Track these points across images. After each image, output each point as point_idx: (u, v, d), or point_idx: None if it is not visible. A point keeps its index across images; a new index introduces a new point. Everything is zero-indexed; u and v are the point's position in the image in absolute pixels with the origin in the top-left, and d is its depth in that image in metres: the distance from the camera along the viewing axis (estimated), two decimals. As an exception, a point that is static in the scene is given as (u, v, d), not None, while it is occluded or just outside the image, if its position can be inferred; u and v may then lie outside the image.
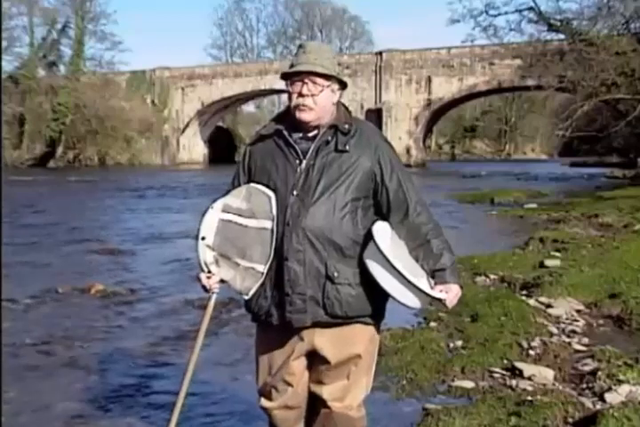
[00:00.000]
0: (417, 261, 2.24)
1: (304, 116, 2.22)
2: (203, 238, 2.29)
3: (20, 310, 5.84)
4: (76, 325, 5.38)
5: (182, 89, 52.44)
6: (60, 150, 44.69)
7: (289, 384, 2.34)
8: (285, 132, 2.27)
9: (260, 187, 2.27)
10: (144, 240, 10.65)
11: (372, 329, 2.33)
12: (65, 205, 17.55)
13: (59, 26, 47.52)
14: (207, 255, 2.29)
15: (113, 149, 47.02)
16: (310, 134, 2.26)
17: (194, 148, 53.32)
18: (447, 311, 5.45)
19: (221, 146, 54.53)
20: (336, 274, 2.19)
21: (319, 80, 2.21)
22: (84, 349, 4.73)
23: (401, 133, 43.95)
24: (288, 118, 2.30)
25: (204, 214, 2.33)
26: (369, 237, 2.19)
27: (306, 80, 2.20)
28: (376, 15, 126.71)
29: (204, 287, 2.30)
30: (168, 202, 18.54)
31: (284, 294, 2.20)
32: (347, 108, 2.36)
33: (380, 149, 2.28)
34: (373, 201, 2.28)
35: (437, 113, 46.59)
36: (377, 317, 2.32)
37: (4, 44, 42.12)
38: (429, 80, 43.98)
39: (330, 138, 2.24)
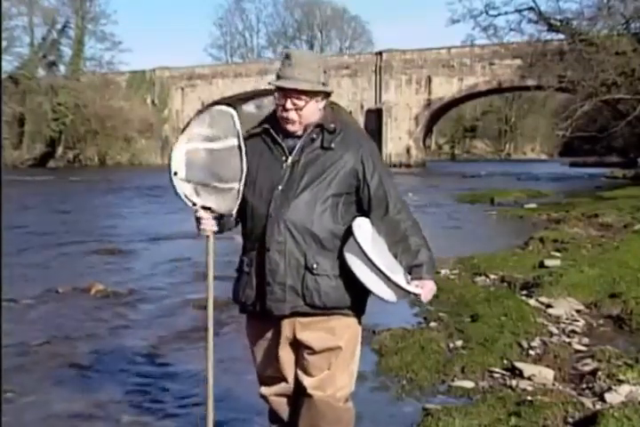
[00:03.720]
0: (395, 257, 2.31)
1: (289, 127, 2.32)
2: (175, 174, 2.33)
3: (20, 310, 5.83)
4: (75, 325, 5.38)
5: (182, 89, 52.46)
6: (60, 150, 44.70)
7: (279, 374, 2.44)
8: (272, 131, 2.36)
9: (222, 107, 2.34)
10: (144, 240, 10.65)
11: (352, 322, 2.39)
12: (65, 205, 17.55)
13: (59, 26, 47.57)
14: (185, 188, 2.33)
15: (113, 149, 47.04)
16: (293, 134, 2.35)
17: (194, 148, 53.30)
18: (447, 311, 5.45)
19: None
20: (315, 265, 2.27)
21: (303, 96, 2.28)
22: (84, 349, 4.73)
23: (401, 133, 43.94)
24: (276, 117, 2.37)
25: (171, 152, 2.37)
26: (349, 232, 2.26)
27: (290, 95, 2.28)
28: (376, 15, 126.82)
29: (200, 228, 2.33)
30: (168, 202, 18.51)
31: (266, 284, 2.28)
32: (333, 108, 2.43)
33: (363, 148, 2.35)
34: (355, 198, 2.36)
35: (437, 113, 46.58)
36: (357, 310, 2.39)
37: (4, 44, 42.12)
38: (429, 80, 43.99)
39: (315, 136, 2.33)
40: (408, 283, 2.26)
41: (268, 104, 69.46)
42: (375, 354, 4.41)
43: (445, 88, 43.64)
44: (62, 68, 48.06)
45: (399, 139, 43.59)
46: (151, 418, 3.54)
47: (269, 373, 2.46)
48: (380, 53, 46.17)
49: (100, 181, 28.27)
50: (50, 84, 43.79)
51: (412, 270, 2.29)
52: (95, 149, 46.21)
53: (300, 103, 2.28)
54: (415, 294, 2.26)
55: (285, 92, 2.27)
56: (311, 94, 2.28)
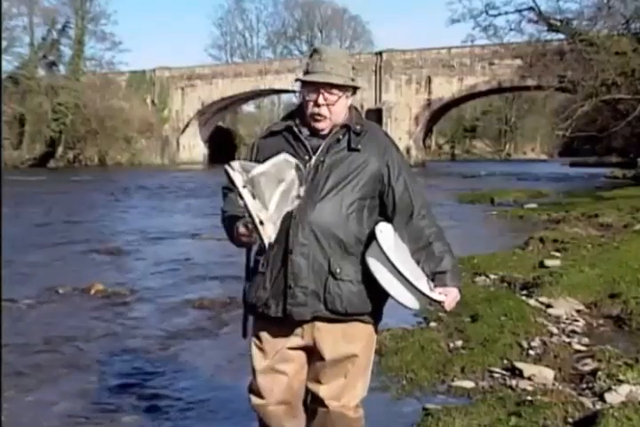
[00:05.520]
0: (418, 263, 2.26)
1: (319, 125, 2.26)
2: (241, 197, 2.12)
3: (20, 310, 5.84)
4: (75, 325, 5.38)
5: (182, 89, 52.44)
6: (60, 150, 44.62)
7: (285, 380, 2.32)
8: (296, 129, 2.29)
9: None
10: (144, 240, 10.65)
11: (370, 329, 2.35)
12: (65, 204, 17.55)
13: (59, 26, 47.45)
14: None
15: (113, 149, 46.98)
16: (321, 132, 2.28)
17: (194, 148, 53.34)
18: (447, 311, 5.45)
19: (221, 146, 54.54)
20: (338, 270, 2.21)
21: (335, 90, 2.23)
22: (84, 349, 4.73)
23: (401, 133, 43.91)
24: (299, 115, 2.31)
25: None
26: (372, 236, 2.21)
27: (321, 90, 2.22)
28: (376, 15, 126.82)
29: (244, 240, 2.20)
30: (168, 202, 18.54)
31: (286, 287, 2.21)
32: (357, 110, 2.38)
33: (388, 151, 2.31)
34: (379, 202, 2.31)
35: (437, 113, 46.58)
36: (375, 316, 2.34)
37: (4, 44, 42.07)
38: (429, 80, 43.98)
39: (341, 136, 2.27)
40: (431, 290, 2.21)
41: (268, 104, 69.51)
42: (375, 354, 4.41)
43: (445, 88, 43.62)
44: (62, 68, 48.05)
45: (399, 139, 43.51)
46: (151, 418, 3.54)
47: (270, 373, 2.33)
48: (380, 53, 46.15)
49: (101, 181, 28.27)
50: (50, 84, 43.71)
51: (435, 277, 2.24)
52: (95, 149, 46.14)
53: (333, 98, 2.22)
54: (438, 302, 2.20)
55: (317, 87, 2.21)
56: (343, 89, 2.25)
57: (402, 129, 44.27)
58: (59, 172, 37.26)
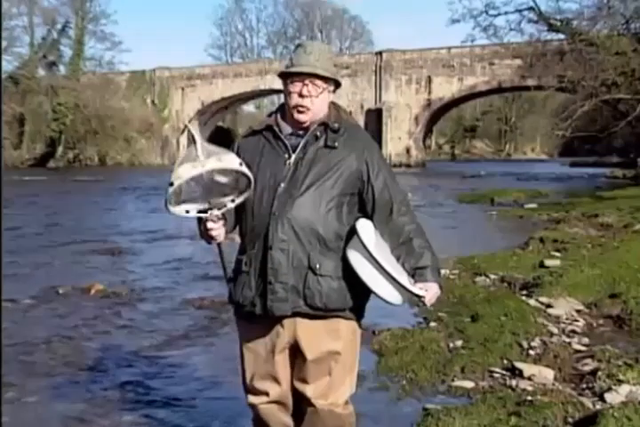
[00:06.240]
0: (398, 259, 2.27)
1: (302, 117, 2.28)
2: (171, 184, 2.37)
3: (20, 310, 5.84)
4: (75, 325, 5.38)
5: (182, 89, 52.46)
6: (60, 150, 44.65)
7: (275, 380, 2.35)
8: (276, 128, 2.32)
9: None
10: (144, 240, 10.65)
11: (352, 325, 2.35)
12: (65, 205, 17.55)
13: (59, 26, 47.54)
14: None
15: (113, 149, 47.00)
16: (301, 131, 2.31)
17: (194, 148, 53.31)
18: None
19: (221, 146, 54.45)
20: (318, 266, 2.23)
21: (319, 82, 2.26)
22: (84, 349, 4.73)
23: (401, 133, 43.94)
24: (280, 115, 2.35)
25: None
26: (352, 232, 2.23)
27: (306, 82, 2.25)
28: (376, 15, 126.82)
29: (211, 236, 2.25)
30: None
31: (267, 283, 2.23)
32: (337, 109, 2.40)
33: (367, 150, 2.33)
34: (358, 199, 2.32)
35: (437, 113, 46.58)
36: (357, 313, 2.35)
37: (4, 44, 42.09)
38: (429, 80, 44.00)
39: (319, 134, 2.29)
40: (412, 285, 2.22)
41: (268, 104, 69.49)
42: (375, 354, 4.42)
43: (445, 88, 43.64)
44: (62, 68, 48.09)
45: (399, 139, 43.58)
46: (151, 418, 3.54)
47: (261, 379, 2.36)
48: (380, 53, 46.16)
49: (100, 181, 28.27)
50: (50, 84, 43.74)
51: (415, 273, 2.25)
52: (95, 149, 46.17)
53: (316, 90, 2.26)
54: (419, 297, 2.21)
55: (302, 79, 2.25)
56: (327, 82, 2.28)
57: (402, 129, 44.26)
58: (59, 172, 37.26)
